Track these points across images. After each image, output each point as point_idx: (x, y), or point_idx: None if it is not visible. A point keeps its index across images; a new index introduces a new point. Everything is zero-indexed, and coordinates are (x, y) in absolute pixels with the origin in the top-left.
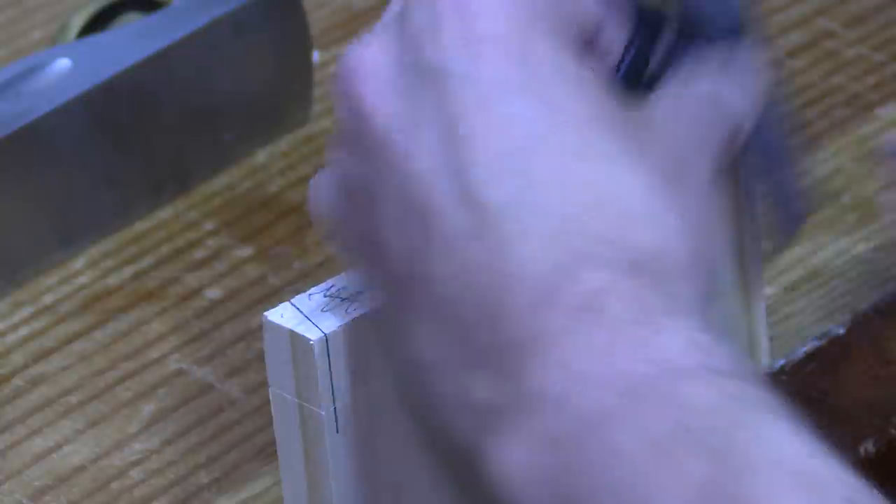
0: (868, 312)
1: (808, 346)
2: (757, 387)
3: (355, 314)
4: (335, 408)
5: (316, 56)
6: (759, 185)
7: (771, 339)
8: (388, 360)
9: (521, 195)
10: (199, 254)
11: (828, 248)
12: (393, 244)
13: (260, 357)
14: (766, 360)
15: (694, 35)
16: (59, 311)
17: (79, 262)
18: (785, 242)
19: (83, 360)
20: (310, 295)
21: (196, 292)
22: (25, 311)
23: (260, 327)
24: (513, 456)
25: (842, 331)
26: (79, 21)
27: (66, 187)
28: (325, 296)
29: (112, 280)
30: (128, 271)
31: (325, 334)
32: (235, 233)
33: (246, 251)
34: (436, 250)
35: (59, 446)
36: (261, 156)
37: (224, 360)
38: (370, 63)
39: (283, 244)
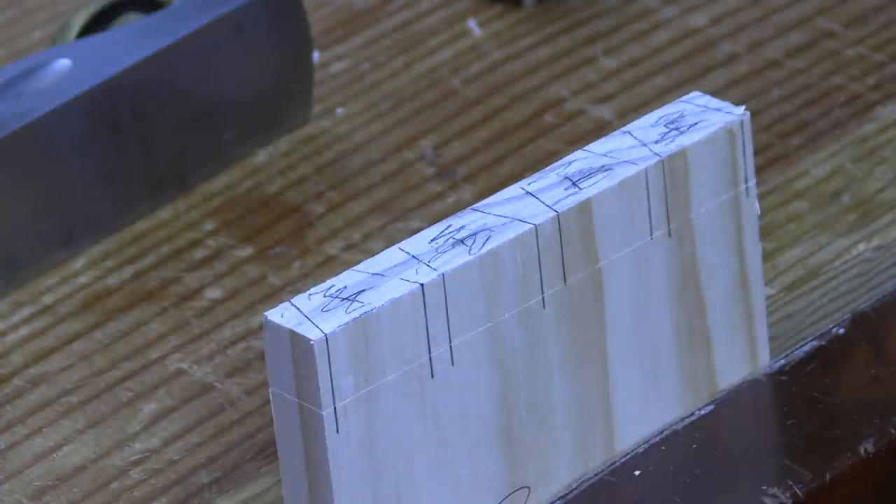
0: (868, 312)
1: (808, 346)
2: None
3: (355, 314)
4: (335, 408)
5: (316, 56)
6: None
7: (771, 339)
8: None
9: None
10: (199, 254)
11: (828, 248)
12: None
13: (260, 357)
14: (766, 360)
15: None
16: (59, 311)
17: (79, 262)
18: None
19: (83, 360)
20: (310, 295)
21: (196, 292)
22: (25, 311)
23: (260, 327)
24: None
25: (841, 331)
26: (79, 21)
27: (66, 187)
28: (325, 296)
29: (112, 280)
30: (128, 271)
31: (325, 334)
32: (235, 233)
33: (246, 251)
34: None
35: (59, 446)
36: (261, 156)
37: (224, 360)
38: None
39: (283, 244)
